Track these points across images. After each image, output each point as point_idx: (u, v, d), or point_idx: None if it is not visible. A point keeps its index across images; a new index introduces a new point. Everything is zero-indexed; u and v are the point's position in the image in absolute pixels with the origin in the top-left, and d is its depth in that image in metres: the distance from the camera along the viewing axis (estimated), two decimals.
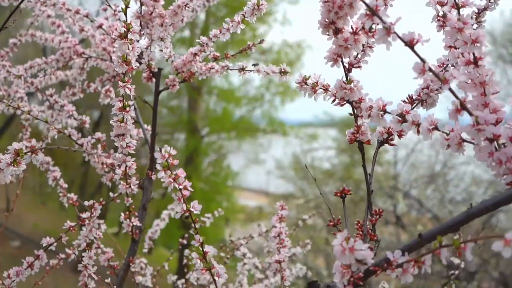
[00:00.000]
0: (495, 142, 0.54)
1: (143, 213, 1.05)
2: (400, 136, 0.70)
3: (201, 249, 0.68)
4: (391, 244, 6.89)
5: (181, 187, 0.65)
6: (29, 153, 0.70)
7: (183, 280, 1.41)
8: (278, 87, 11.70)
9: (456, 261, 1.16)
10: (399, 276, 0.54)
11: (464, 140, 0.57)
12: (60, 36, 1.25)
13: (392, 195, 6.24)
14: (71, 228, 0.96)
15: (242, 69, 0.97)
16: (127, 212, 0.99)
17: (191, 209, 0.66)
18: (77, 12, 1.14)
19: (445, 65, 0.71)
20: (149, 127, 1.15)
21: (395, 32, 0.52)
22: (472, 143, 0.56)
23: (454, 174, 7.59)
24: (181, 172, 0.65)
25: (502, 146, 0.55)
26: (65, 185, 1.13)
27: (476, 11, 0.76)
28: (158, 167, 0.64)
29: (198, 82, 11.22)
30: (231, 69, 0.99)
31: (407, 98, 0.71)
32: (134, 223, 1.00)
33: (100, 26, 1.10)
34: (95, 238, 1.01)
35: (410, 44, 0.53)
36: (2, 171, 0.70)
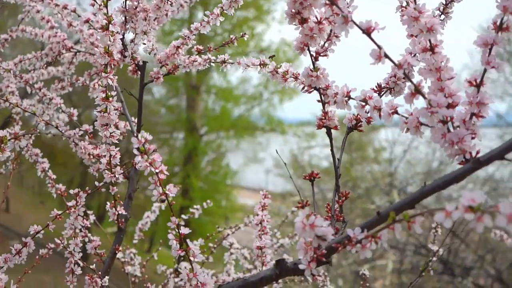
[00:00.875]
0: (449, 124, 0.58)
1: (128, 202, 1.08)
2: (368, 122, 0.73)
3: (177, 231, 0.71)
4: (389, 241, 6.94)
5: (157, 170, 0.68)
6: (13, 140, 0.73)
7: (171, 270, 1.45)
8: (277, 86, 11.74)
9: (435, 248, 1.19)
10: (358, 251, 0.57)
11: (421, 124, 0.60)
12: (50, 31, 1.28)
13: (389, 192, 6.27)
14: (58, 217, 0.99)
15: (223, 62, 1.01)
16: (113, 201, 1.02)
17: (167, 192, 0.69)
18: (64, 7, 1.17)
19: (412, 55, 0.74)
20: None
21: (352, 21, 0.55)
22: (429, 126, 0.59)
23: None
24: (157, 157, 0.68)
25: (457, 128, 0.58)
26: (54, 176, 1.16)
27: (444, 2, 0.79)
28: (135, 151, 0.67)
29: (196, 81, 11.27)
30: (213, 62, 1.02)
31: (375, 86, 0.74)
32: (120, 212, 1.03)
33: (87, 21, 1.13)
34: (82, 227, 1.04)
35: (367, 31, 0.56)
36: None
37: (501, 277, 6.13)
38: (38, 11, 1.28)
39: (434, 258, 1.17)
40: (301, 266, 0.59)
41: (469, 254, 6.25)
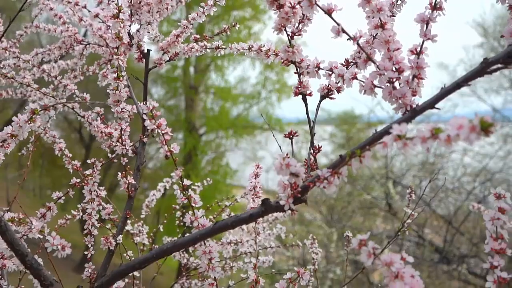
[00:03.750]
0: (397, 85, 0.72)
1: (137, 174, 1.22)
2: (338, 91, 0.88)
3: (181, 182, 0.85)
4: (387, 232, 7.09)
5: (163, 132, 0.82)
6: (43, 111, 0.88)
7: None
8: (275, 84, 11.89)
9: (408, 210, 1.33)
10: (325, 187, 0.71)
11: (375, 86, 0.75)
12: (62, 26, 1.43)
13: (384, 183, 6.43)
14: (76, 184, 1.13)
15: (217, 48, 1.16)
16: (124, 172, 1.17)
17: (172, 149, 0.83)
18: (76, 4, 1.32)
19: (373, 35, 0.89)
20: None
21: (316, 4, 0.70)
22: (381, 87, 0.74)
23: (449, 164, 7.83)
24: (163, 121, 0.83)
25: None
26: (70, 154, 1.31)
27: None
28: (145, 119, 0.82)
29: (194, 81, 11.40)
30: (208, 48, 1.17)
31: (344, 61, 0.89)
32: (130, 181, 1.18)
33: (96, 16, 1.28)
34: (96, 196, 1.19)
35: (328, 12, 0.71)
36: (21, 127, 0.88)
37: None
38: (51, 9, 1.43)
39: (409, 221, 1.31)
40: (281, 202, 0.74)
41: (464, 243, 6.40)
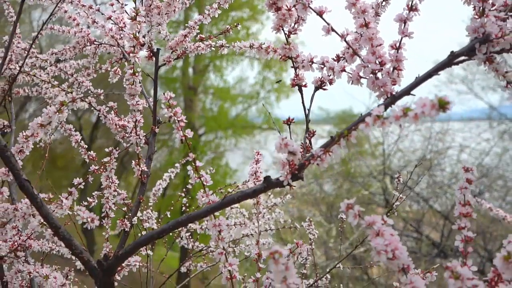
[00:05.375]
0: (379, 75, 0.84)
1: (149, 162, 1.34)
2: (330, 83, 0.99)
3: (194, 164, 0.97)
4: None
5: (179, 119, 0.94)
6: (71, 102, 0.99)
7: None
8: (273, 84, 12.02)
9: (396, 193, 1.45)
10: (319, 164, 0.83)
11: (361, 77, 0.86)
12: (75, 28, 1.55)
13: (382, 179, 6.55)
14: (95, 171, 1.25)
15: (221, 46, 1.27)
16: (137, 160, 1.29)
17: (186, 134, 0.95)
18: (90, 7, 1.43)
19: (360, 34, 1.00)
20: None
21: (309, 6, 0.82)
22: (366, 78, 0.86)
23: (446, 161, 7.97)
24: (178, 109, 0.95)
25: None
26: (86, 146, 1.42)
27: None
28: (162, 105, 0.93)
29: (193, 82, 11.52)
30: (213, 47, 1.29)
31: (335, 56, 1.01)
32: (143, 169, 1.29)
33: (109, 18, 1.40)
34: (112, 183, 1.30)
35: (320, 14, 0.82)
36: (51, 118, 0.99)
37: (492, 258, 6.42)
38: (65, 11, 1.54)
39: (398, 203, 1.42)
40: (281, 178, 0.86)
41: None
